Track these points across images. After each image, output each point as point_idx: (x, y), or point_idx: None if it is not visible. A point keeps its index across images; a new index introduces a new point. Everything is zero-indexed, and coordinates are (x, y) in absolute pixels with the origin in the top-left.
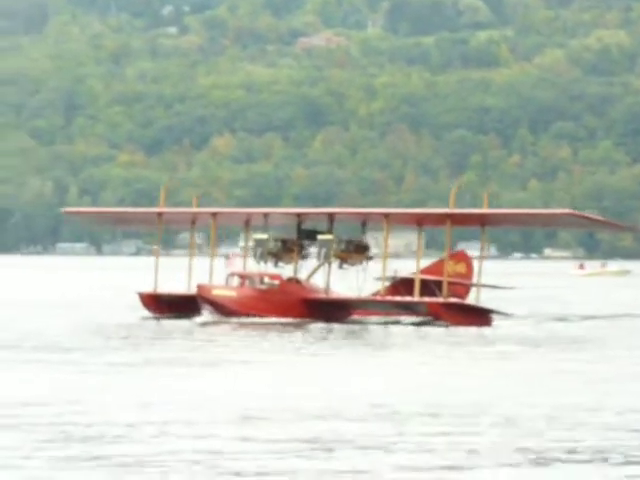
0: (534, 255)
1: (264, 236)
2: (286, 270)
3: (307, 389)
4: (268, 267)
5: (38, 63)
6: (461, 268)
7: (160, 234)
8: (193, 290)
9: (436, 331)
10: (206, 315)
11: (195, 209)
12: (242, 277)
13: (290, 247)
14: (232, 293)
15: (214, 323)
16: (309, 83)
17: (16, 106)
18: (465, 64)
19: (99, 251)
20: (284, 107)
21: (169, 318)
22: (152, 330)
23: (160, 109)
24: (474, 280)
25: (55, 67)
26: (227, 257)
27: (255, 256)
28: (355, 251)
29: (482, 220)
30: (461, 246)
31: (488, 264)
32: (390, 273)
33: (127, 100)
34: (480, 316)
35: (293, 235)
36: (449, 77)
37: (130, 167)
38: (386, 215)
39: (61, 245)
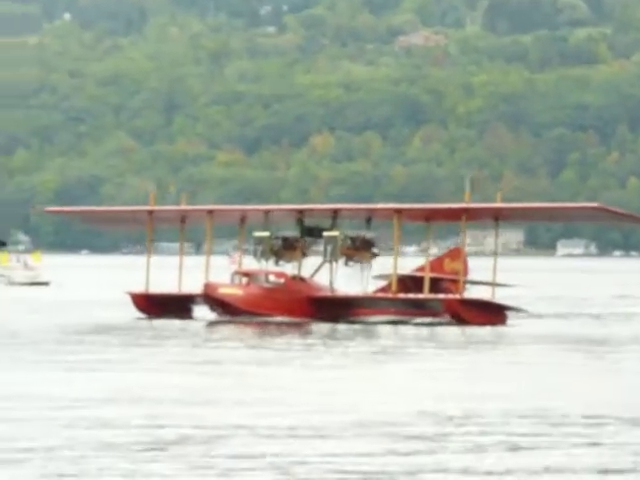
0: (634, 253)
1: (265, 234)
2: (287, 268)
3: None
4: (269, 265)
5: (138, 63)
6: (458, 265)
7: (150, 233)
8: (183, 290)
9: (480, 331)
10: (205, 315)
11: (189, 207)
12: (247, 275)
13: (291, 244)
14: (239, 292)
15: (222, 323)
16: (408, 81)
17: (116, 106)
18: (564, 62)
19: (198, 250)
20: (383, 105)
21: (159, 318)
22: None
23: (259, 108)
24: (470, 277)
25: (155, 67)
26: (230, 255)
27: (256, 254)
28: (361, 248)
29: (497, 215)
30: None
31: (587, 262)
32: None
33: (226, 100)
34: (496, 314)
35: (294, 232)
36: (548, 75)
37: (229, 166)
38: (398, 211)
39: (161, 245)
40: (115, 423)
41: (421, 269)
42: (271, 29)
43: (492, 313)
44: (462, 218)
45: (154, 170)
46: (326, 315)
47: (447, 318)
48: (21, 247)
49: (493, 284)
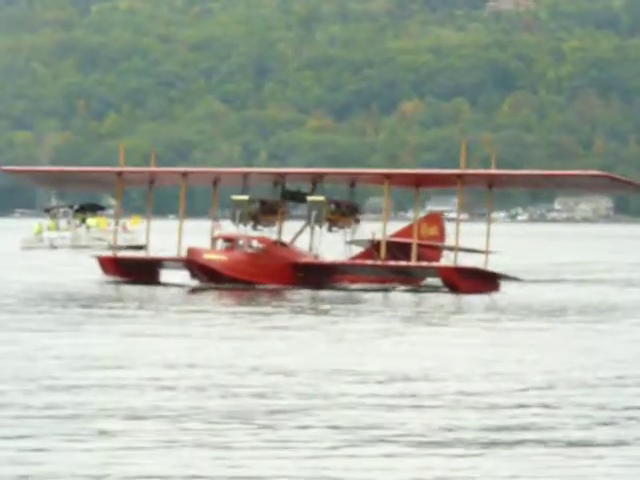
0: None
1: (243, 197)
2: (264, 233)
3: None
4: (247, 229)
5: (228, 28)
6: (434, 231)
7: (119, 194)
8: (152, 254)
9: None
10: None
11: (163, 169)
12: (229, 240)
13: (270, 208)
14: (223, 257)
15: (206, 289)
16: (497, 47)
17: (207, 71)
18: None
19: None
20: (472, 71)
21: (128, 283)
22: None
23: (349, 74)
24: (447, 242)
25: (245, 32)
26: (214, 219)
27: (234, 218)
28: (345, 213)
29: (492, 181)
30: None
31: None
32: (367, 236)
33: (316, 65)
34: (490, 282)
35: (272, 196)
36: (639, 41)
37: (319, 132)
38: (387, 176)
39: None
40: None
41: (398, 234)
42: None
43: (486, 281)
44: (456, 184)
45: (244, 135)
46: (309, 282)
47: (426, 285)
48: (110, 211)
49: (470, 250)
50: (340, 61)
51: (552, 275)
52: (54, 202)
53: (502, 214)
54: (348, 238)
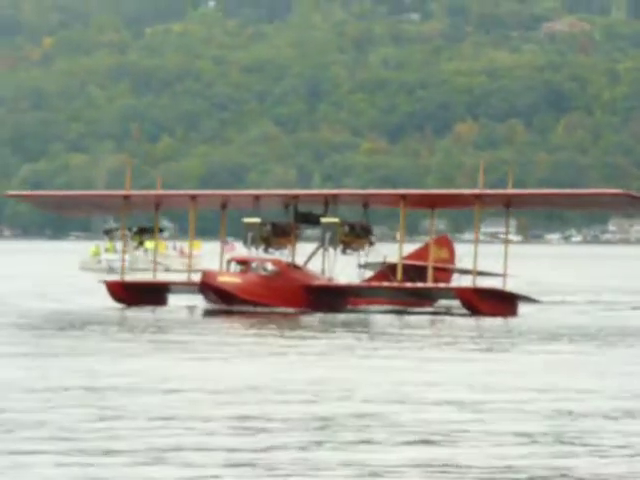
0: None
1: (255, 220)
2: (275, 256)
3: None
4: (259, 252)
5: (282, 51)
6: (444, 253)
7: (124, 218)
8: (159, 278)
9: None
10: (201, 304)
11: (171, 192)
12: (243, 263)
13: (281, 231)
14: (237, 280)
15: (220, 312)
16: (552, 68)
17: (260, 93)
18: None
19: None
20: (527, 93)
21: (136, 307)
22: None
23: (403, 95)
24: (456, 265)
25: (299, 55)
26: (224, 242)
27: (246, 241)
28: (359, 235)
29: (508, 201)
30: None
31: None
32: (379, 259)
33: (370, 87)
34: (508, 304)
35: (283, 218)
36: None
37: (373, 154)
38: (403, 196)
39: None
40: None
41: (410, 257)
42: (415, 16)
43: (505, 303)
44: (474, 204)
45: (297, 157)
46: (323, 305)
47: (439, 307)
48: (165, 234)
49: (482, 273)
50: (394, 83)
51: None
52: (112, 224)
53: (556, 236)
54: (362, 261)
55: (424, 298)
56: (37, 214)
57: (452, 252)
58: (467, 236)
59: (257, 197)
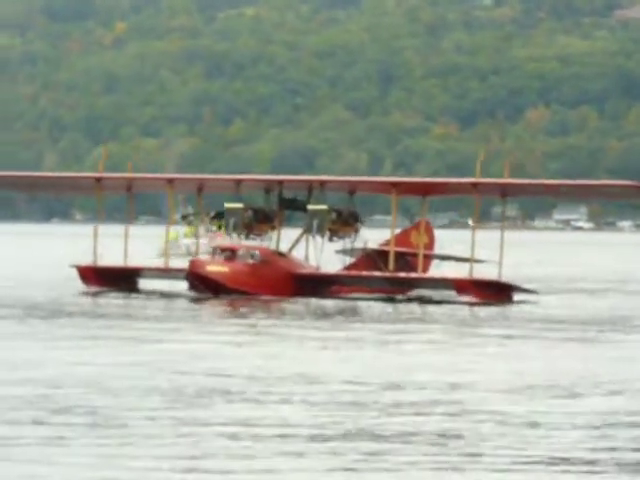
0: None
1: (238, 205)
2: (255, 242)
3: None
4: (240, 239)
5: (355, 36)
6: (425, 239)
7: (100, 201)
8: (130, 263)
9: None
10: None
11: (146, 175)
12: (229, 250)
13: (263, 217)
14: (225, 269)
15: (207, 300)
16: (624, 55)
17: (332, 78)
18: None
19: (412, 223)
20: (599, 79)
21: (106, 292)
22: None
23: (475, 81)
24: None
25: (371, 40)
26: (211, 230)
27: (227, 227)
28: (347, 222)
29: (505, 191)
30: None
31: None
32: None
33: (442, 72)
34: (504, 294)
35: (265, 204)
36: None
37: (444, 139)
38: (394, 184)
39: (377, 217)
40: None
41: (388, 243)
42: (488, 2)
43: (500, 293)
44: (470, 193)
45: (369, 142)
46: (309, 293)
47: (413, 295)
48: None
49: (462, 259)
50: (466, 69)
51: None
52: (190, 209)
53: (628, 223)
54: (348, 247)
55: (403, 286)
56: (108, 198)
57: (432, 238)
58: (538, 223)
59: (238, 182)
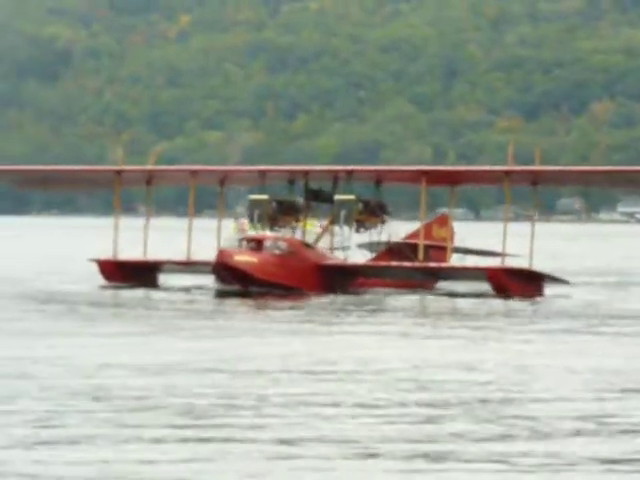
0: None
1: (262, 197)
2: (280, 233)
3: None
4: (265, 231)
5: (418, 30)
6: (444, 232)
7: (118, 194)
8: (150, 256)
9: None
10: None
11: (169, 167)
12: (256, 241)
13: (288, 208)
14: (254, 259)
15: (238, 293)
16: None
17: (396, 72)
18: None
19: (477, 217)
20: None
21: (128, 287)
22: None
23: (539, 74)
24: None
25: (435, 33)
26: (236, 220)
27: (252, 219)
28: (373, 213)
29: (535, 178)
30: None
31: None
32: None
33: (506, 66)
34: (536, 284)
35: (289, 195)
36: None
37: (508, 132)
38: (425, 172)
39: (441, 210)
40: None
41: (412, 236)
42: None
43: (532, 283)
44: (502, 182)
45: (433, 136)
46: (336, 285)
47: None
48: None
49: (484, 253)
50: (530, 61)
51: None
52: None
53: None
54: (372, 240)
55: (429, 279)
56: (171, 191)
57: (452, 231)
58: (603, 215)
59: (262, 173)
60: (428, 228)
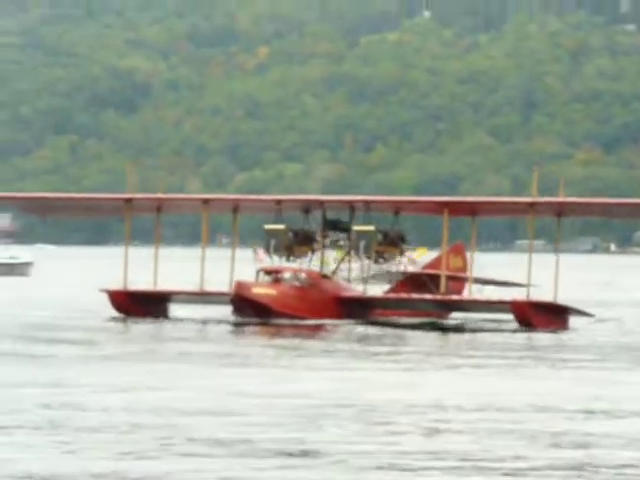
0: None
1: (279, 226)
2: (296, 265)
3: None
4: (281, 261)
5: (497, 61)
6: (459, 262)
7: (129, 223)
8: (161, 287)
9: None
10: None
11: (179, 195)
12: (274, 273)
13: (304, 239)
14: (272, 291)
15: (254, 325)
16: None
17: (475, 104)
18: None
19: (556, 249)
20: None
21: (138, 318)
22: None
23: (618, 106)
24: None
25: (514, 65)
26: (255, 251)
27: (268, 249)
28: (393, 244)
29: (561, 210)
30: None
31: None
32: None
33: (585, 98)
34: (560, 317)
35: (305, 225)
36: None
37: (588, 165)
38: (446, 204)
39: (519, 242)
40: None
41: (429, 266)
42: (631, 27)
43: (557, 317)
44: (526, 213)
45: (512, 168)
46: (354, 316)
47: (445, 319)
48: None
49: (501, 283)
50: (609, 94)
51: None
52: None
53: None
54: (393, 269)
55: (446, 309)
56: (250, 221)
57: (466, 261)
58: None
59: (278, 202)
60: (444, 258)
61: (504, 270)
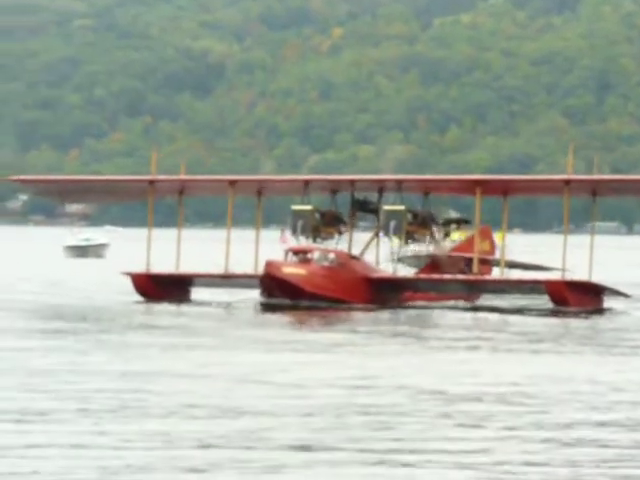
0: None
1: (307, 207)
2: (322, 245)
3: None
4: (308, 242)
5: (571, 42)
6: (486, 245)
7: (152, 205)
8: (183, 269)
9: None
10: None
11: (202, 177)
12: (304, 253)
13: (331, 220)
14: (303, 271)
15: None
16: None
17: (549, 85)
18: None
19: (630, 230)
20: None
21: (161, 302)
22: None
23: None
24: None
25: (588, 46)
26: (282, 231)
27: (295, 230)
28: (424, 224)
29: (596, 189)
30: None
31: None
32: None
33: None
34: (595, 297)
35: (331, 205)
36: None
37: None
38: (478, 182)
39: (592, 224)
40: None
41: (457, 249)
42: None
43: (592, 296)
44: (562, 191)
45: (585, 150)
46: (385, 298)
47: (474, 300)
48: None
49: (529, 266)
50: None
51: None
52: (452, 213)
53: None
54: (423, 251)
55: (474, 292)
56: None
57: (493, 244)
58: None
59: (306, 182)
60: (470, 241)
61: (546, 254)
